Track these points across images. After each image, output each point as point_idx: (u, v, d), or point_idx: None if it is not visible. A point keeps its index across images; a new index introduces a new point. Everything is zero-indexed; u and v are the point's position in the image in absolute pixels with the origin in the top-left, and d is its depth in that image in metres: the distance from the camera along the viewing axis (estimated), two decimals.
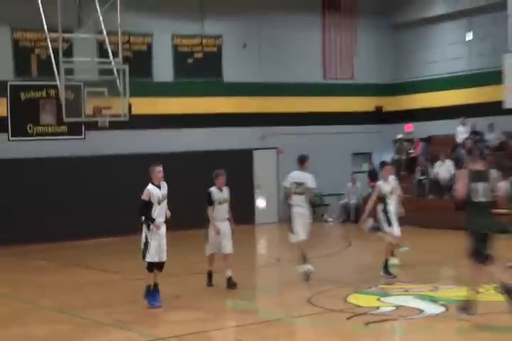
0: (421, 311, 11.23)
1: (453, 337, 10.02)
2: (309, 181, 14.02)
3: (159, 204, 12.23)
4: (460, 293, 12.37)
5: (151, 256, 12.05)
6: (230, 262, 13.54)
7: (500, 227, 11.58)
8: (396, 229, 14.45)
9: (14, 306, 12.84)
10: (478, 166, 10.73)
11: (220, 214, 13.48)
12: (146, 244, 12.06)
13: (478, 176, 10.52)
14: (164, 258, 12.20)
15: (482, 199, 10.62)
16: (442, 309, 11.33)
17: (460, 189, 10.67)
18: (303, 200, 13.99)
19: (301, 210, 14.01)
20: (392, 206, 14.47)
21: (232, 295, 12.99)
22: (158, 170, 12.43)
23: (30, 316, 11.99)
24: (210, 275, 13.82)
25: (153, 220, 12.06)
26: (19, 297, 13.56)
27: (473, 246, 10.61)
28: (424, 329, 10.29)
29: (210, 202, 13.38)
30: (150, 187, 12.34)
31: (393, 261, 15.04)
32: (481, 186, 10.51)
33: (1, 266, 17.62)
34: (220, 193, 13.45)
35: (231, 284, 13.41)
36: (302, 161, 14.12)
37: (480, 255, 10.53)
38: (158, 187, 12.36)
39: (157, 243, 12.05)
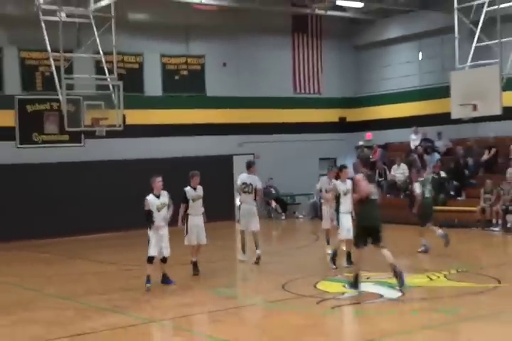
0: (380, 296, 11.26)
1: (409, 317, 10.04)
2: (257, 182, 14.36)
3: (158, 211, 12.35)
4: (414, 279, 12.47)
5: (151, 251, 12.32)
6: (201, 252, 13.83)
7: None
8: (344, 233, 13.60)
9: (22, 294, 12.72)
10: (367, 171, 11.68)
11: (195, 210, 13.58)
12: (148, 241, 12.35)
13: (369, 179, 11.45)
14: (165, 254, 12.47)
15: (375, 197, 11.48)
16: (399, 294, 11.33)
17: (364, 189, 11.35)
18: (251, 198, 14.27)
19: (247, 207, 14.34)
20: (345, 206, 13.62)
21: (215, 284, 12.94)
22: (158, 181, 12.49)
23: (36, 303, 11.88)
24: (195, 264, 13.83)
25: (153, 222, 12.29)
26: (26, 286, 13.43)
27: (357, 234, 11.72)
28: (384, 311, 10.31)
29: (185, 199, 13.48)
30: (149, 197, 12.44)
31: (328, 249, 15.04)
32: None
33: (10, 258, 17.47)
34: (194, 192, 13.57)
35: (196, 269, 13.69)
36: (249, 166, 14.40)
37: (360, 242, 11.59)
38: (158, 196, 12.42)
39: (156, 241, 12.30)
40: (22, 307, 11.41)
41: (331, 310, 10.46)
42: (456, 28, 18.89)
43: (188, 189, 13.60)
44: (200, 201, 13.64)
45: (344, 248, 14.06)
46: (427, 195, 15.97)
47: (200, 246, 13.77)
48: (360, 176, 11.61)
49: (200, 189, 13.70)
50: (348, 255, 13.97)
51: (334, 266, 13.88)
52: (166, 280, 12.76)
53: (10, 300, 12.12)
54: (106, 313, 10.79)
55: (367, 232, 11.54)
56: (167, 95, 23.67)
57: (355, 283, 11.54)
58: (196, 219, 13.56)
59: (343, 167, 14.27)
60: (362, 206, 11.59)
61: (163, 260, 12.57)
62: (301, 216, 24.77)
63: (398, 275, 11.33)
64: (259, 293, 12.33)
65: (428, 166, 22.34)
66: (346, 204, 13.57)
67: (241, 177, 14.47)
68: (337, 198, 13.74)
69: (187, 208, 13.50)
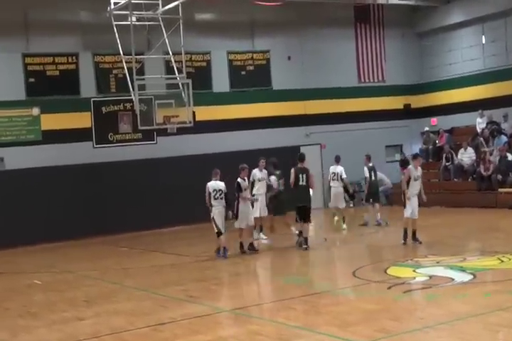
0: (452, 279, 10.97)
1: (481, 300, 9.70)
2: (224, 187, 15.00)
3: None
4: (485, 262, 12.10)
5: (217, 228, 14.67)
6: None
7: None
8: (408, 213, 14.84)
9: (103, 287, 12.90)
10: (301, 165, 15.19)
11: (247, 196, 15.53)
12: (213, 220, 14.74)
13: (301, 171, 15.04)
14: (222, 230, 14.70)
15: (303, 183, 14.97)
16: (470, 277, 11.05)
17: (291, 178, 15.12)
18: (221, 203, 14.84)
19: (221, 209, 14.85)
20: (412, 190, 14.85)
21: (286, 272, 12.84)
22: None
23: (116, 295, 12.03)
24: (241, 245, 15.22)
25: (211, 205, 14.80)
26: (107, 279, 13.61)
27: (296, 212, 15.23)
28: (456, 295, 10.02)
29: (240, 189, 15.16)
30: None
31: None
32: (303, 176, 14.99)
33: (91, 253, 17.75)
34: (245, 182, 15.30)
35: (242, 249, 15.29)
36: (216, 173, 15.09)
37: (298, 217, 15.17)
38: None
39: (219, 220, 14.68)
40: (104, 300, 11.57)
41: (402, 295, 10.24)
42: None
43: (240, 180, 15.23)
44: (248, 190, 15.51)
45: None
46: (373, 177, 18.63)
47: (248, 228, 15.35)
48: (292, 169, 15.17)
49: (247, 180, 15.54)
50: (413, 233, 14.81)
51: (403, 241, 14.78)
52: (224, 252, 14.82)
53: (93, 292, 12.32)
54: (182, 303, 10.82)
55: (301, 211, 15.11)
56: (234, 91, 23.63)
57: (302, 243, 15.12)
58: (246, 205, 15.31)
59: (418, 155, 15.98)
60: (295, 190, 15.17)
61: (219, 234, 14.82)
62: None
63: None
64: (329, 280, 12.17)
65: (495, 149, 21.74)
66: (414, 188, 14.83)
67: (211, 185, 14.99)
68: (408, 183, 14.84)
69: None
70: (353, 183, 21.86)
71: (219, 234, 14.75)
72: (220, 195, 14.84)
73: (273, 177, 17.06)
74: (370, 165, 18.76)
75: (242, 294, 11.14)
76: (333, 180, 18.34)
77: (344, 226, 18.06)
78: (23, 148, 20.17)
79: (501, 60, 23.60)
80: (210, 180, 14.92)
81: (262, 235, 16.95)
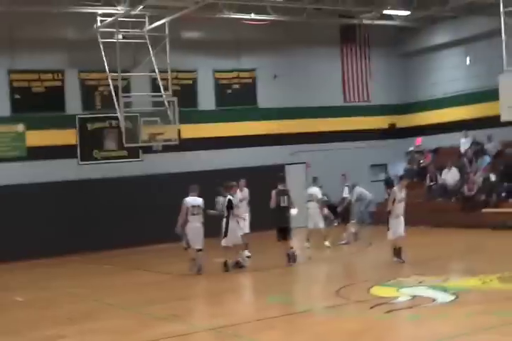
0: (434, 300, 11.02)
1: (463, 320, 9.76)
2: (202, 204, 15.26)
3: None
4: (468, 282, 12.19)
5: (187, 243, 15.45)
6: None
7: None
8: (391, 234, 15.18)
9: (86, 304, 12.86)
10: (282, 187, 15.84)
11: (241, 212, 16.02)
12: (185, 235, 15.27)
13: (282, 193, 15.66)
14: (201, 247, 15.08)
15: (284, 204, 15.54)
16: (453, 297, 11.11)
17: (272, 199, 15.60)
18: (199, 219, 15.08)
19: (198, 225, 15.08)
20: (396, 211, 15.06)
21: (269, 291, 12.86)
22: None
23: (100, 313, 11.99)
24: (225, 263, 15.19)
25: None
26: (90, 296, 13.57)
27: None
28: (438, 315, 10.07)
29: (231, 206, 15.34)
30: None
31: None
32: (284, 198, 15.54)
33: (74, 271, 17.74)
34: (236, 200, 15.69)
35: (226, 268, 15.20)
36: (194, 189, 15.35)
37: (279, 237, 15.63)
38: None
39: (194, 236, 15.03)
40: (87, 318, 11.54)
41: (385, 315, 10.27)
42: (503, 31, 18.54)
43: (231, 198, 15.42)
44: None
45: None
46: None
47: (235, 246, 15.36)
48: (273, 192, 15.72)
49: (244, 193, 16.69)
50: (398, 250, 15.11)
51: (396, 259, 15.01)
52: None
53: (76, 310, 12.28)
54: (165, 322, 10.81)
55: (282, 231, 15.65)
56: (220, 109, 23.75)
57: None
58: (235, 223, 15.52)
59: (403, 177, 16.75)
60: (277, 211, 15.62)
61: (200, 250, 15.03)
62: (352, 221, 24.32)
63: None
64: (312, 299, 12.22)
65: (479, 169, 21.94)
66: (398, 209, 15.05)
67: (188, 200, 15.20)
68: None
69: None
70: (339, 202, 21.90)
71: (187, 248, 15.31)
72: (197, 211, 14.98)
73: (221, 199, 16.48)
74: (347, 184, 19.35)
75: (225, 312, 11.15)
76: (308, 201, 18.41)
77: (327, 243, 18.15)
78: (8, 164, 20.16)
79: (485, 81, 23.73)
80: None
81: (246, 252, 16.95)
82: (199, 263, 14.95)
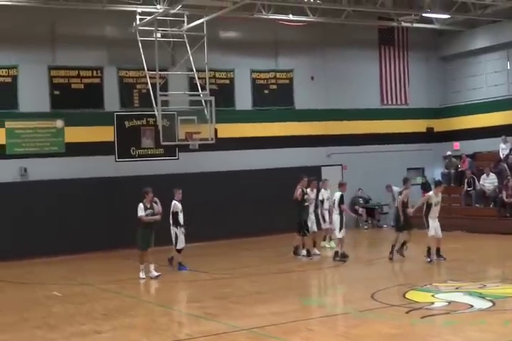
0: (471, 306, 10.96)
1: (500, 328, 9.66)
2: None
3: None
4: (505, 290, 12.08)
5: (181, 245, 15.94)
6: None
7: None
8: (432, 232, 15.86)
9: (121, 300, 13.01)
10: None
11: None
12: (178, 238, 15.91)
13: None
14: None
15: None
16: (490, 304, 11.03)
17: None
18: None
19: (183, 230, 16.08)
20: (436, 214, 15.90)
21: (305, 293, 12.89)
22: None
23: (135, 309, 12.13)
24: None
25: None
26: (126, 293, 13.71)
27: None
28: (474, 322, 10.00)
29: (342, 201, 16.76)
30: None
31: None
32: None
33: (109, 266, 17.93)
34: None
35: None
36: (178, 192, 16.16)
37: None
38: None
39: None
40: (122, 314, 11.68)
41: (420, 320, 10.24)
42: None
43: (343, 194, 16.70)
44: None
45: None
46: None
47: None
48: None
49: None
50: (437, 250, 15.94)
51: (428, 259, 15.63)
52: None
53: (111, 306, 12.43)
54: (199, 320, 10.91)
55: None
56: (257, 109, 23.81)
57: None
58: None
59: (440, 182, 17.12)
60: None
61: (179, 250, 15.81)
62: (385, 225, 24.27)
63: None
64: (348, 302, 12.20)
65: None
66: (433, 213, 15.83)
67: (178, 206, 16.23)
68: (428, 207, 15.87)
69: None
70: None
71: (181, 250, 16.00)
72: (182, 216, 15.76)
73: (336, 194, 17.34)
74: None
75: (260, 313, 11.18)
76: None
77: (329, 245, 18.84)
78: (47, 159, 20.43)
79: None
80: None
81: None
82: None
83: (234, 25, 23.14)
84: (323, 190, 18.67)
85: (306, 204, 17.52)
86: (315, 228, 18.09)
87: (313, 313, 11.08)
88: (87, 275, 16.25)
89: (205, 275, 15.60)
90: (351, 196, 23.17)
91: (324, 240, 19.08)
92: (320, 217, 18.62)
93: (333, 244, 18.55)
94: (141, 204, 15.29)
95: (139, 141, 21.76)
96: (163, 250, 16.08)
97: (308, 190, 17.77)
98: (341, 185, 16.97)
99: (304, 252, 17.35)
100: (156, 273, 15.11)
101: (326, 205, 18.39)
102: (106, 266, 18.03)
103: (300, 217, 17.34)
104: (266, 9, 21.55)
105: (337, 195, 16.75)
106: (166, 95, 20.55)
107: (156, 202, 15.48)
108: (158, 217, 15.32)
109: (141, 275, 15.10)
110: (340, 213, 16.55)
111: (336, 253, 16.77)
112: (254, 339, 9.70)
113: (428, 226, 15.70)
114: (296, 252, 17.47)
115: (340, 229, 16.54)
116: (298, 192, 17.30)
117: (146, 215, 15.20)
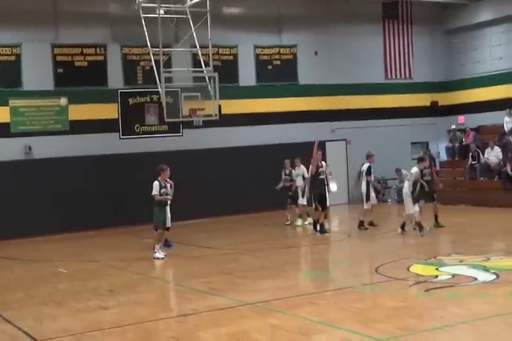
0: (475, 279, 10.95)
1: (504, 300, 9.70)
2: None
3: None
4: (509, 262, 12.06)
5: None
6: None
7: None
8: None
9: (127, 277, 13.06)
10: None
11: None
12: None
13: None
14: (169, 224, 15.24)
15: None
16: (494, 277, 11.02)
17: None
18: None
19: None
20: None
21: (309, 267, 12.90)
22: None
23: (140, 285, 12.17)
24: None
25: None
26: (132, 270, 13.75)
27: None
28: (478, 294, 10.02)
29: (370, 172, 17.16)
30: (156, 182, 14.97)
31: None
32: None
33: (115, 243, 17.98)
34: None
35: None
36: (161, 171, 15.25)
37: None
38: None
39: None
40: (128, 290, 11.72)
41: (424, 293, 10.25)
42: None
43: (371, 165, 17.06)
44: None
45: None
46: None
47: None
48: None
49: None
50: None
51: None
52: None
53: (117, 282, 12.47)
54: (205, 296, 10.92)
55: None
56: (261, 85, 23.67)
57: None
58: None
59: (422, 159, 16.87)
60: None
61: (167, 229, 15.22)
62: (389, 200, 24.26)
63: None
64: (352, 276, 12.19)
65: None
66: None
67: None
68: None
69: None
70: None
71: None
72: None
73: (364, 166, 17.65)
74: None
75: (265, 288, 11.20)
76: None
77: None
78: (51, 137, 20.38)
79: None
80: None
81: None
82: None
83: (237, 1, 22.98)
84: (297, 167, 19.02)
85: (321, 177, 17.29)
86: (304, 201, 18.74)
87: (318, 287, 11.10)
88: (93, 253, 16.29)
89: (210, 250, 15.64)
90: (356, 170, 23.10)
91: (300, 217, 19.10)
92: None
93: (310, 220, 18.55)
94: (156, 182, 14.86)
95: (143, 118, 21.69)
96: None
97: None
98: (369, 157, 17.26)
99: (318, 227, 17.26)
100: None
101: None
102: (112, 243, 18.08)
103: (314, 192, 17.40)
104: None
105: (365, 166, 17.07)
106: (169, 72, 20.41)
107: (170, 185, 15.17)
108: (170, 197, 15.07)
109: (158, 255, 14.56)
110: (367, 184, 16.84)
111: (362, 222, 17.15)
112: (259, 314, 9.72)
113: (414, 202, 15.82)
114: (315, 227, 17.48)
115: (367, 200, 16.90)
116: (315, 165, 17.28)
117: (161, 194, 14.87)
